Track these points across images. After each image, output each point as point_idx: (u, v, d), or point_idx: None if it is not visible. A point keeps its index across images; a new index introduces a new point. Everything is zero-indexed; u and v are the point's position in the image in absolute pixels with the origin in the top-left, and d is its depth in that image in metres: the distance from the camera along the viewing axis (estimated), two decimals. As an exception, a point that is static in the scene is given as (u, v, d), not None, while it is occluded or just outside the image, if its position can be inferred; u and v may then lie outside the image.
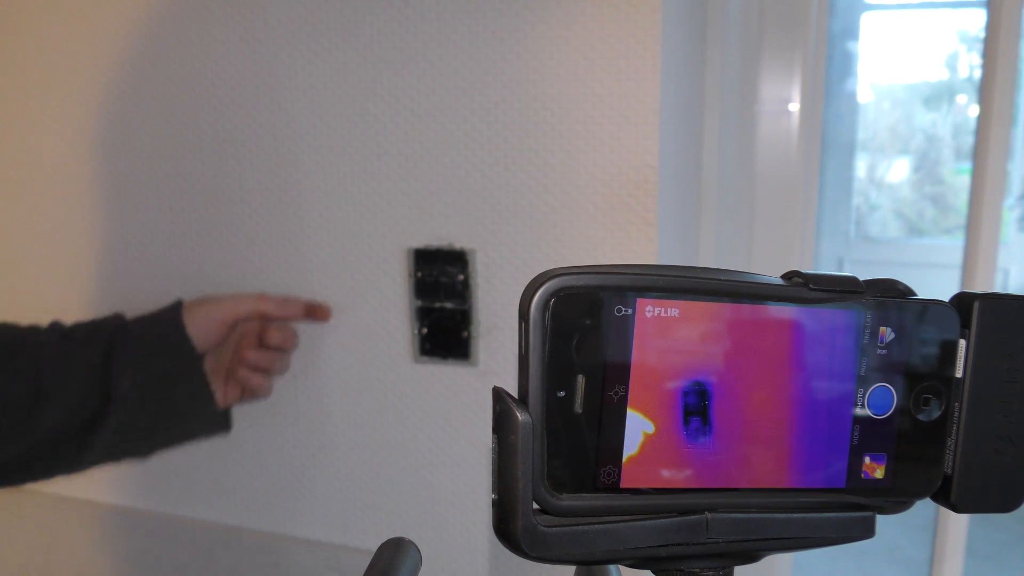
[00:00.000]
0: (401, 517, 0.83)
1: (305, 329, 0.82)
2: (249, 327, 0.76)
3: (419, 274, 0.76)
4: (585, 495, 0.27)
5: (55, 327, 0.72)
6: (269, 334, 0.74)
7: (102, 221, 0.90)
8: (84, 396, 0.68)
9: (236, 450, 0.89)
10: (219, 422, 0.76)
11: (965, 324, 0.29)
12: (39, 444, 0.68)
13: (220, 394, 0.74)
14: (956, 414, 0.29)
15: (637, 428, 0.27)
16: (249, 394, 0.76)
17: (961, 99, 3.82)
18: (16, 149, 0.93)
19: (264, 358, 0.74)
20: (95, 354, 0.69)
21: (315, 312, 0.79)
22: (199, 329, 0.72)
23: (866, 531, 0.30)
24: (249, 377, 0.74)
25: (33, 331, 0.71)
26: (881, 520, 0.30)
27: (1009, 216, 3.51)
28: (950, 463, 0.30)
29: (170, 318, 0.72)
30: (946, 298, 0.30)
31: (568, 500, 0.26)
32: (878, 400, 0.29)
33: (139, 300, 0.89)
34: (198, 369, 0.71)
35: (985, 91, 0.80)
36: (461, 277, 0.74)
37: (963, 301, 0.29)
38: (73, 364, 0.69)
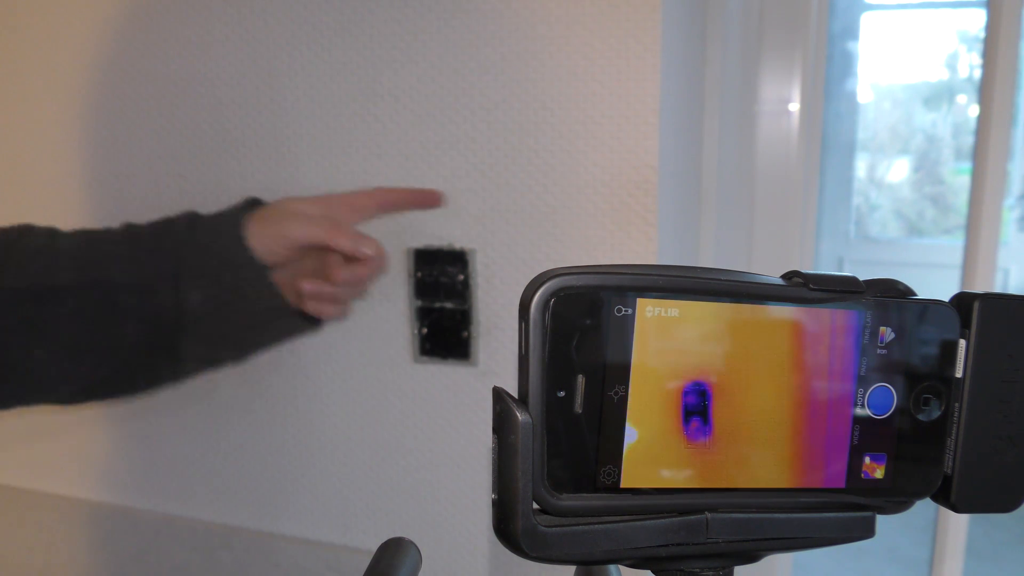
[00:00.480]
0: (401, 517, 0.83)
1: (305, 329, 0.82)
2: (332, 265, 0.69)
3: (419, 274, 0.76)
4: (585, 495, 0.27)
5: (127, 232, 0.69)
6: (335, 273, 0.68)
7: (101, 222, 0.90)
8: (159, 308, 0.66)
9: (236, 450, 0.89)
10: (306, 324, 0.71)
11: (965, 324, 0.29)
12: (132, 359, 0.67)
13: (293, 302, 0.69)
14: (956, 414, 0.29)
15: (637, 428, 0.27)
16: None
17: (961, 99, 3.83)
18: (14, 149, 0.93)
19: (328, 289, 0.68)
20: (164, 264, 0.66)
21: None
22: (264, 247, 0.66)
23: (866, 531, 0.30)
24: (310, 306, 0.69)
25: (102, 239, 0.68)
26: (881, 520, 0.30)
27: (1009, 216, 3.51)
28: (950, 463, 0.30)
29: (233, 234, 0.67)
30: (946, 298, 0.30)
31: (568, 500, 0.26)
32: (878, 400, 0.29)
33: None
34: (265, 280, 0.67)
35: (985, 91, 0.80)
36: (461, 277, 0.74)
37: (963, 301, 0.29)
38: (143, 276, 0.66)
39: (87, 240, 0.68)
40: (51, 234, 0.68)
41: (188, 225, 0.69)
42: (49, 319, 0.64)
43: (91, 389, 0.69)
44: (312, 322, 0.72)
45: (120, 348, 0.66)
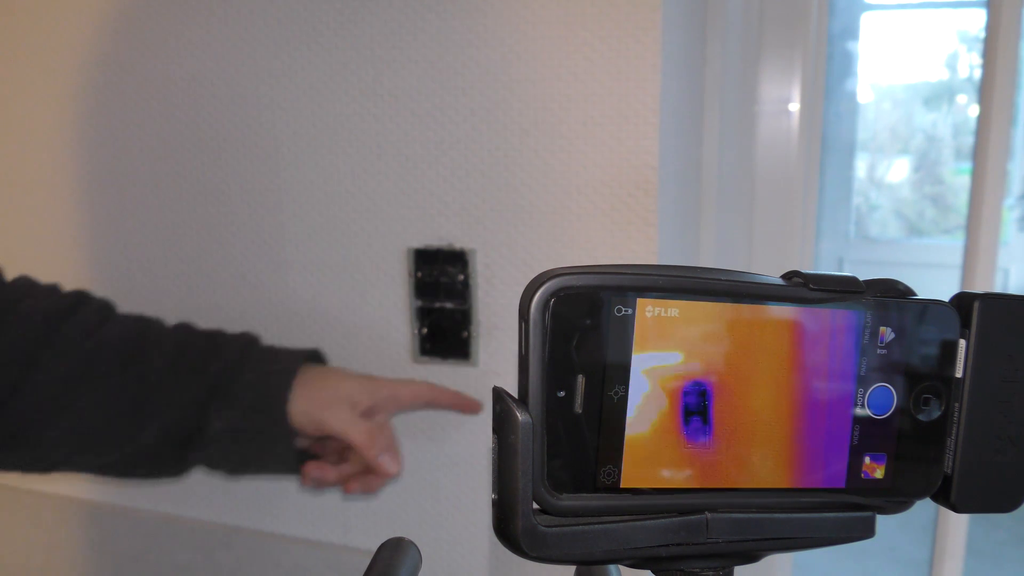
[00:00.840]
0: (401, 517, 0.83)
1: (305, 328, 0.82)
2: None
3: (419, 274, 0.76)
4: (585, 495, 0.27)
5: (177, 336, 0.69)
6: (350, 484, 0.70)
7: (100, 222, 0.90)
8: (182, 421, 0.67)
9: (236, 450, 0.89)
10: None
11: (965, 324, 0.29)
12: (139, 453, 0.68)
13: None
14: (956, 414, 0.29)
15: (637, 428, 0.27)
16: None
17: (961, 99, 3.83)
18: (14, 149, 0.93)
19: (331, 475, 0.70)
20: (202, 387, 0.67)
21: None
22: (299, 418, 0.67)
23: (866, 531, 0.30)
24: (306, 477, 0.71)
25: (150, 336, 0.68)
26: (881, 520, 0.30)
27: (1009, 216, 3.51)
28: (950, 463, 0.30)
29: (278, 391, 0.67)
30: (946, 298, 0.30)
31: (568, 500, 0.26)
32: (878, 400, 0.29)
33: (135, 301, 0.89)
34: (287, 444, 0.68)
35: (985, 91, 0.80)
36: (461, 277, 0.74)
37: (963, 301, 0.29)
38: (179, 389, 0.67)
39: (136, 335, 0.68)
40: (103, 314, 0.68)
41: (240, 355, 0.69)
42: (77, 404, 0.65)
43: (91, 469, 0.70)
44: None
45: (134, 442, 0.67)
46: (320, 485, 0.71)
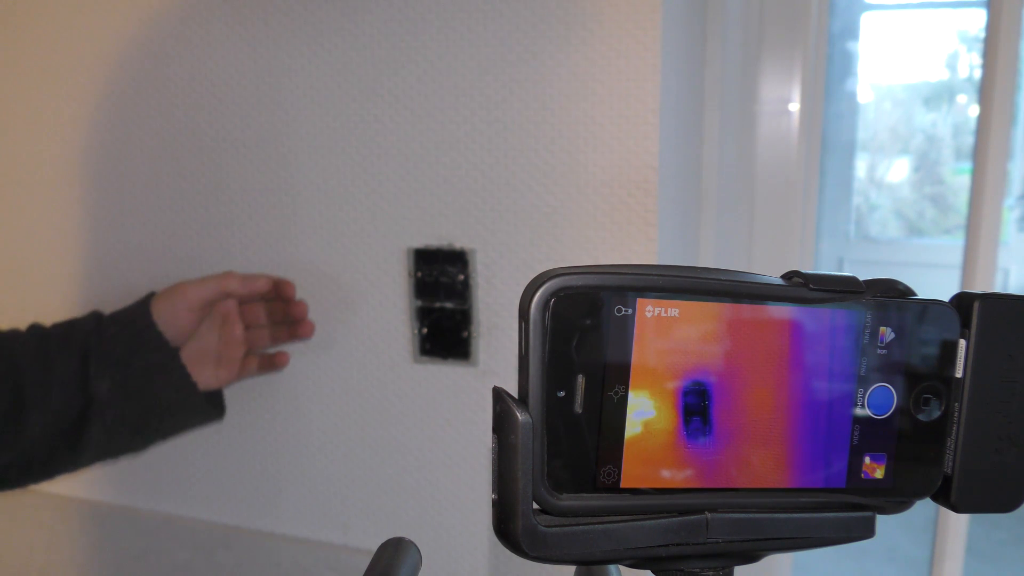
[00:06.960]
0: (401, 517, 0.83)
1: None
2: (228, 305, 0.74)
3: (419, 274, 0.76)
4: (585, 495, 0.27)
5: (33, 330, 0.71)
6: (245, 311, 0.75)
7: (101, 221, 0.90)
8: (66, 400, 0.68)
9: (236, 450, 0.89)
10: (210, 410, 0.75)
11: (965, 324, 0.29)
12: (31, 449, 0.68)
13: (211, 377, 0.73)
14: (956, 414, 0.29)
15: (637, 428, 0.27)
16: (251, 372, 0.77)
17: (961, 99, 3.83)
18: (14, 149, 0.93)
19: (254, 336, 0.75)
20: (72, 358, 0.69)
21: (283, 288, 0.76)
22: (168, 320, 0.70)
23: (866, 531, 0.30)
24: (247, 363, 0.75)
25: (10, 336, 0.70)
26: (881, 520, 0.30)
27: (1009, 216, 3.51)
28: (950, 463, 0.30)
29: (141, 313, 0.71)
30: (946, 298, 0.30)
31: (568, 500, 0.26)
32: (878, 400, 0.29)
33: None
34: (175, 362, 0.71)
35: (985, 91, 0.80)
36: (461, 277, 0.74)
37: (963, 301, 0.29)
38: (52, 369, 0.68)
39: None
40: None
41: (95, 321, 0.72)
42: None
43: None
44: (215, 410, 0.76)
45: (20, 441, 0.68)
46: (249, 367, 0.76)
